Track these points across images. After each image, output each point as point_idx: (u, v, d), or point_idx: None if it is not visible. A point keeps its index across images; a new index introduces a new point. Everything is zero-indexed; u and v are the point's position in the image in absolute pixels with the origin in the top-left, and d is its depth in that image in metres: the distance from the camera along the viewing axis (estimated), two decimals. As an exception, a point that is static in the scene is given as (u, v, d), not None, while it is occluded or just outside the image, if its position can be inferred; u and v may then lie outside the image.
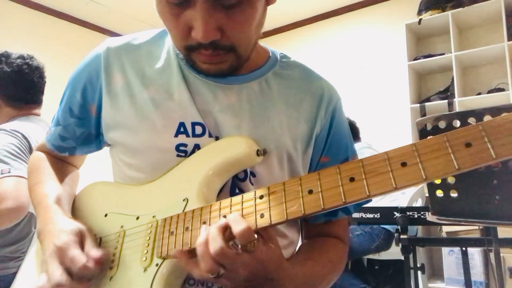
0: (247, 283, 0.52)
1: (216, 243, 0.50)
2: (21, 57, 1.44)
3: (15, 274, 0.80)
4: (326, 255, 0.69)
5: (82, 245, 0.61)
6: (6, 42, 3.23)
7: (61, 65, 3.47)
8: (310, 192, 0.50)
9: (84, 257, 0.58)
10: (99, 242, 0.68)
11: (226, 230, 0.51)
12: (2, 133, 1.31)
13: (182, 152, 0.65)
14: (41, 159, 0.80)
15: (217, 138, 0.66)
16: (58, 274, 0.57)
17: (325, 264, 0.68)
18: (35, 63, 1.47)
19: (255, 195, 0.54)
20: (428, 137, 0.45)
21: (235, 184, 0.65)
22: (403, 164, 0.45)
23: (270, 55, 0.75)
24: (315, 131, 0.71)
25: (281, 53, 0.77)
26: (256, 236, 0.51)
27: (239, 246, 0.51)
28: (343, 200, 0.47)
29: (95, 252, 0.59)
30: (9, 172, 1.20)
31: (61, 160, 0.82)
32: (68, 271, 0.57)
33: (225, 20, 0.56)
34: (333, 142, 0.73)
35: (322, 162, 0.72)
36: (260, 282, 0.52)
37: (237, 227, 0.50)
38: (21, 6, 3.52)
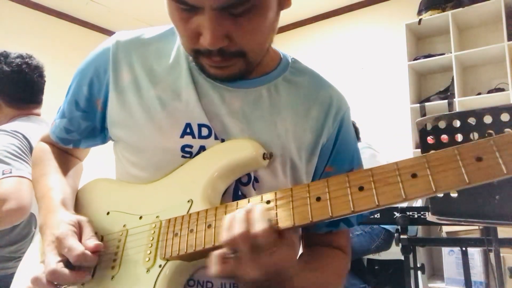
0: (258, 283, 0.50)
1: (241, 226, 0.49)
2: (20, 56, 1.44)
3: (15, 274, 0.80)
4: (332, 266, 0.69)
5: (81, 236, 0.61)
6: (6, 42, 3.23)
7: (61, 65, 3.47)
8: (318, 199, 0.49)
9: (81, 246, 0.57)
10: (100, 240, 0.67)
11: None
12: (3, 133, 1.30)
13: (187, 153, 0.65)
14: (45, 151, 0.79)
15: (223, 141, 0.65)
16: (54, 262, 0.57)
17: (332, 274, 0.67)
18: (34, 62, 1.46)
19: (261, 199, 0.53)
20: (439, 150, 0.45)
21: (238, 188, 0.65)
22: (414, 176, 0.45)
23: (282, 58, 0.74)
24: (321, 140, 0.70)
25: (293, 58, 0.76)
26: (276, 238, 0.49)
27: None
28: (352, 209, 0.47)
29: (91, 242, 0.59)
30: (10, 172, 1.20)
31: (65, 152, 0.82)
32: (66, 262, 0.57)
33: (233, 28, 0.55)
34: (339, 152, 0.72)
35: (326, 172, 0.71)
36: (271, 285, 0.51)
37: (258, 226, 0.48)
38: (21, 6, 3.52)
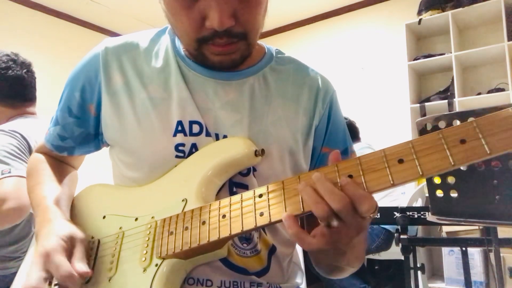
0: (356, 237, 0.49)
1: (337, 197, 0.46)
2: (7, 54, 1.45)
3: (15, 274, 0.80)
4: None
5: (71, 252, 0.59)
6: (6, 42, 3.23)
7: (61, 65, 3.47)
8: None
9: (69, 266, 0.55)
10: (97, 244, 0.67)
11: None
12: (1, 133, 1.31)
13: (181, 152, 0.65)
14: (40, 161, 0.80)
15: (216, 136, 0.66)
16: (35, 278, 0.55)
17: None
18: (20, 58, 1.48)
19: (254, 194, 0.54)
20: (424, 135, 0.46)
21: (233, 183, 0.66)
22: (400, 161, 0.46)
23: (266, 51, 0.76)
24: (314, 122, 0.72)
25: (276, 49, 0.78)
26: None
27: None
28: None
29: (80, 267, 0.56)
30: (9, 172, 1.20)
31: (60, 161, 0.82)
32: (50, 278, 0.55)
33: (238, 6, 0.57)
34: (332, 133, 0.74)
35: (323, 153, 0.73)
36: (363, 236, 0.52)
37: (365, 206, 0.46)
38: (21, 6, 3.52)
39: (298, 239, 0.49)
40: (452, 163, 0.43)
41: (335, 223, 0.47)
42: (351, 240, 0.50)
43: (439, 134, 0.45)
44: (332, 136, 0.74)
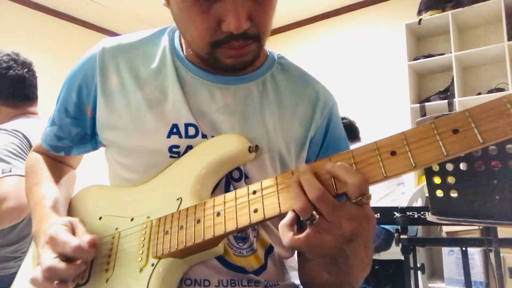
0: (346, 244, 0.46)
1: (314, 187, 0.46)
2: (7, 54, 1.46)
3: (15, 274, 0.80)
4: None
5: (73, 232, 0.61)
6: (6, 42, 3.23)
7: (61, 65, 3.47)
8: None
9: (77, 239, 0.58)
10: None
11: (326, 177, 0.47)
12: (3, 132, 1.31)
13: (175, 153, 0.65)
14: (38, 161, 0.80)
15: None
16: (50, 258, 0.56)
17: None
18: (21, 58, 1.48)
19: (248, 190, 0.54)
20: (417, 126, 0.46)
21: (230, 182, 0.65)
22: (393, 153, 0.46)
23: (268, 55, 0.75)
24: (310, 134, 0.71)
25: (279, 54, 0.77)
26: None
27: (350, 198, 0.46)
28: (335, 192, 0.47)
29: (86, 237, 0.58)
30: (10, 171, 1.20)
31: (58, 160, 0.82)
32: (62, 258, 0.57)
33: (254, 8, 0.58)
34: (329, 146, 0.73)
35: None
36: (358, 245, 0.48)
37: (352, 179, 0.45)
38: (21, 6, 3.52)
39: (280, 232, 0.49)
40: (445, 153, 0.43)
41: (316, 219, 0.46)
42: (339, 245, 0.46)
43: (431, 125, 0.44)
44: (330, 150, 0.72)
